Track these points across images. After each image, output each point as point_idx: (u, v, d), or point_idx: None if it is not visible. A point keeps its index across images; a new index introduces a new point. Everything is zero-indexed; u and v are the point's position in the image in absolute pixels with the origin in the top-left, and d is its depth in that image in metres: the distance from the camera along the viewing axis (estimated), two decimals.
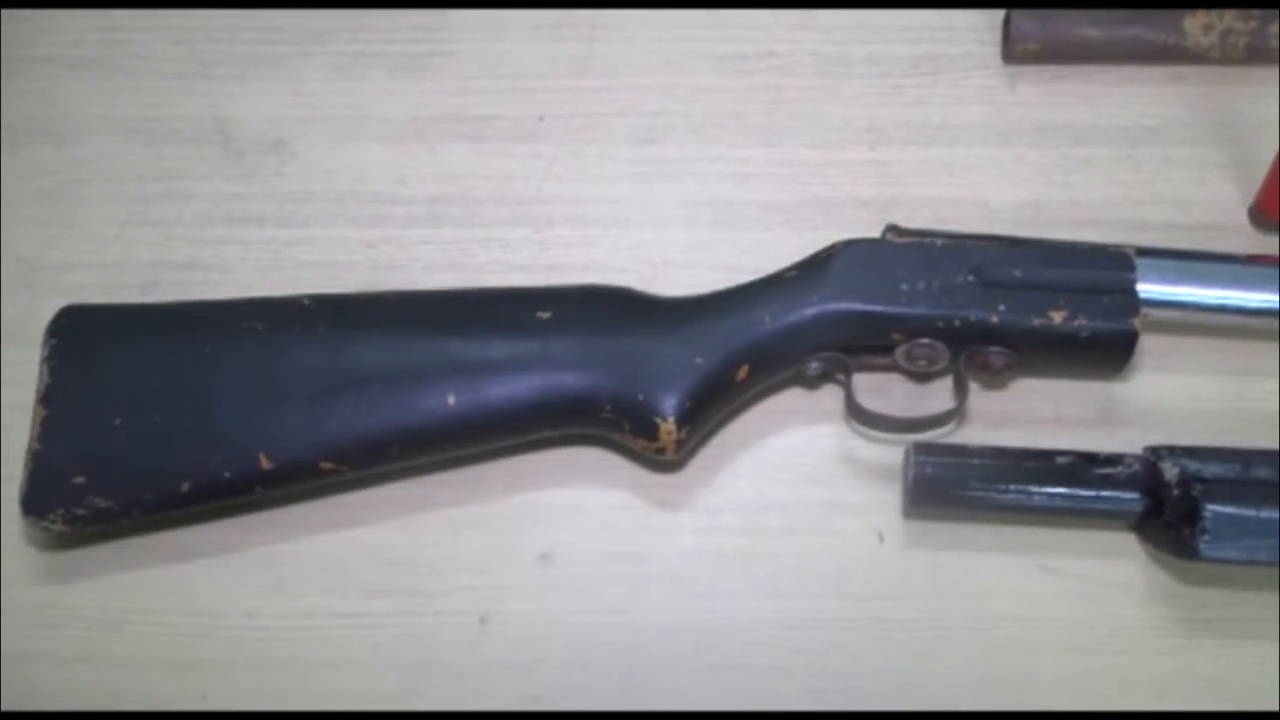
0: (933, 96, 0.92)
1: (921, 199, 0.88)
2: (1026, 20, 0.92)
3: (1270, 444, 0.77)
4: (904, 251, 0.78)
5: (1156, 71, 0.93)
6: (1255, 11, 0.92)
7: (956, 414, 0.78)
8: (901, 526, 0.78)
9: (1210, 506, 0.72)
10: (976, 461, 0.75)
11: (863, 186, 0.89)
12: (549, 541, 0.78)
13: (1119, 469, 0.75)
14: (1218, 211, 0.88)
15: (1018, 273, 0.77)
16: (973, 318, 0.76)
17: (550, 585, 0.77)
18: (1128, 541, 0.77)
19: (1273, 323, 0.81)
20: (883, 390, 0.81)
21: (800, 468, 0.80)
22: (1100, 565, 0.77)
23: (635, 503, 0.79)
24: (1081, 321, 0.76)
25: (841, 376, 0.79)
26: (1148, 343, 0.82)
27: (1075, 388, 0.82)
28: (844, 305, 0.77)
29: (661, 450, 0.76)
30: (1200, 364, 0.83)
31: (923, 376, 0.81)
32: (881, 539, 0.78)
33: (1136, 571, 0.77)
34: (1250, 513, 0.72)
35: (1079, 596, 0.76)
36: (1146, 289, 0.79)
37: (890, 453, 0.79)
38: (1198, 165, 0.90)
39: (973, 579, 0.77)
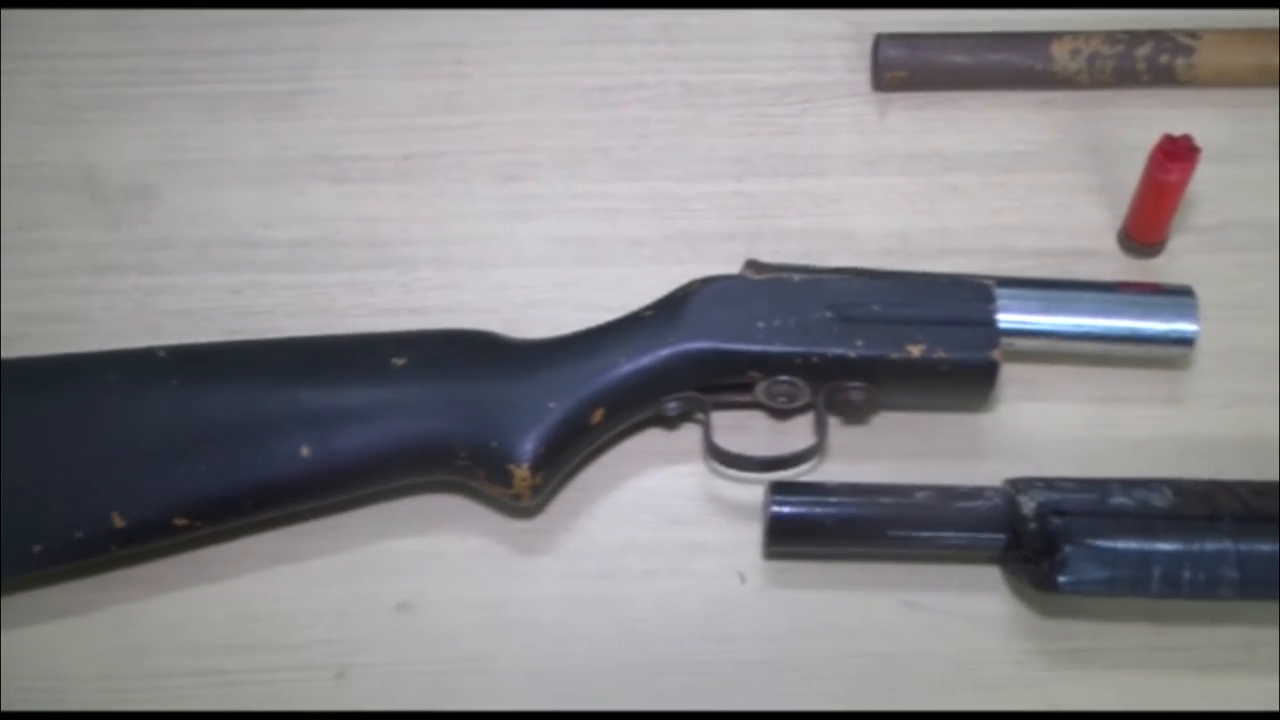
0: (802, 126, 0.91)
1: (789, 230, 0.87)
2: (894, 48, 0.91)
3: (1136, 471, 0.76)
4: (761, 288, 0.77)
5: (1026, 97, 0.92)
6: (1121, 34, 0.91)
7: (816, 451, 0.77)
8: (762, 566, 0.77)
9: (1067, 539, 0.71)
10: (834, 500, 0.74)
11: (729, 219, 0.88)
12: (408, 590, 0.77)
13: (979, 503, 0.74)
14: (1087, 236, 0.88)
15: (876, 307, 0.76)
16: (830, 354, 0.75)
17: (409, 635, 0.76)
18: (991, 575, 0.77)
19: (1137, 349, 0.80)
20: (744, 428, 0.80)
21: (661, 509, 0.79)
22: (964, 599, 0.76)
23: (495, 549, 0.78)
24: (940, 354, 0.75)
25: (701, 416, 0.77)
26: (1014, 372, 0.82)
27: (940, 420, 0.81)
28: (700, 345, 0.76)
29: (517, 496, 0.75)
30: (1067, 392, 0.83)
31: (784, 413, 0.80)
32: (743, 579, 0.77)
33: (1000, 605, 0.76)
34: (1108, 544, 0.72)
35: (942, 632, 0.75)
36: (1009, 319, 0.79)
37: (752, 491, 0.78)
38: (1067, 190, 0.89)
39: (835, 617, 0.76)
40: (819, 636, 0.76)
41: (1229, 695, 0.75)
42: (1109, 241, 0.88)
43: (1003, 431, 0.82)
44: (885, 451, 0.80)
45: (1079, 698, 0.74)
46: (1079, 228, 0.88)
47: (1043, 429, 0.82)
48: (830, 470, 0.80)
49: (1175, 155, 0.81)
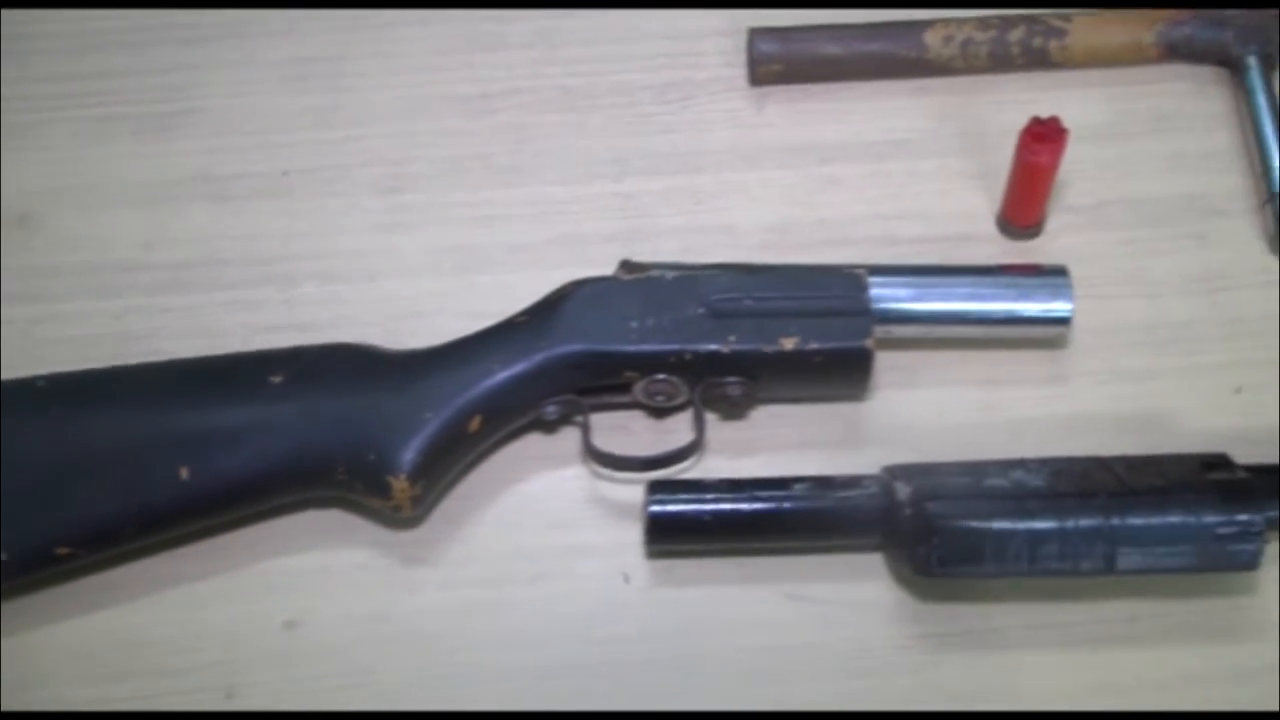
0: (680, 124, 0.92)
1: (669, 228, 0.88)
2: (767, 42, 0.92)
3: (1018, 452, 0.76)
4: (634, 288, 0.77)
5: (903, 85, 0.93)
6: (994, 19, 0.91)
7: (695, 448, 0.77)
8: (647, 566, 0.77)
9: (942, 523, 0.71)
10: (711, 496, 0.75)
11: (610, 220, 0.88)
12: (295, 608, 0.77)
13: (856, 492, 0.75)
14: (966, 221, 0.88)
15: (749, 301, 0.77)
16: (704, 350, 0.76)
17: (297, 652, 0.76)
18: (874, 562, 0.77)
19: (1014, 330, 0.80)
20: (625, 428, 0.80)
21: (544, 513, 0.79)
22: (847, 589, 0.77)
23: (380, 561, 0.78)
24: (814, 345, 0.76)
25: (580, 419, 0.78)
26: (894, 359, 0.82)
27: (821, 410, 0.81)
28: (574, 348, 0.76)
29: (397, 508, 0.75)
30: (948, 376, 0.83)
31: (663, 411, 0.80)
32: (627, 579, 0.77)
33: (883, 592, 0.77)
34: (983, 526, 0.72)
35: (827, 622, 0.76)
36: (885, 306, 0.79)
37: (635, 491, 0.78)
38: (945, 176, 0.90)
39: (720, 613, 0.76)
40: (705, 633, 0.76)
41: (1111, 668, 0.76)
42: (988, 225, 0.88)
43: (885, 419, 0.82)
44: (767, 445, 0.81)
45: (965, 680, 0.75)
46: (958, 213, 0.89)
47: (925, 415, 0.82)
48: (712, 466, 0.80)
49: (1043, 137, 0.81)
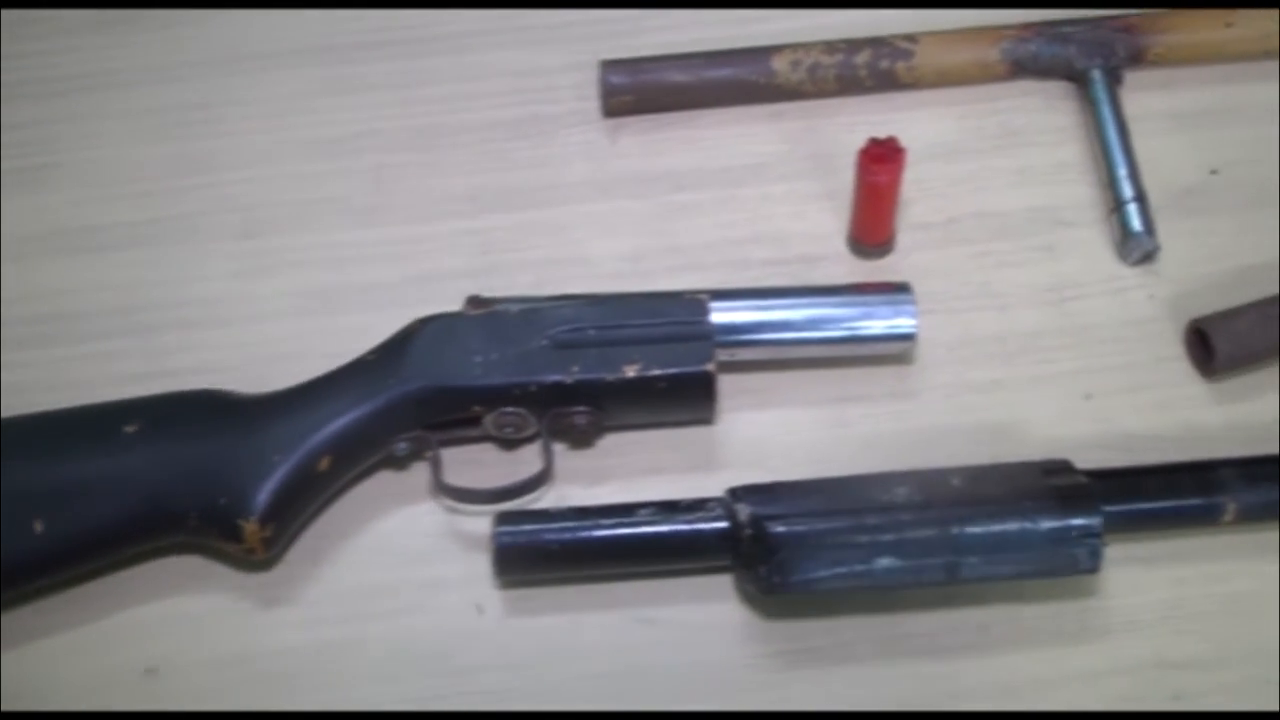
0: (535, 158, 0.93)
1: (525, 262, 0.89)
2: (617, 74, 0.93)
3: (869, 467, 0.77)
4: (479, 323, 0.79)
5: (754, 111, 0.95)
6: (840, 43, 0.93)
7: (544, 478, 0.78)
8: (501, 596, 0.78)
9: (783, 541, 0.73)
10: (556, 526, 0.76)
11: (466, 257, 0.89)
12: (154, 655, 0.77)
13: (700, 515, 0.76)
14: (819, 243, 0.90)
15: (591, 331, 0.78)
16: (548, 381, 0.77)
17: (158, 700, 0.77)
18: (723, 583, 0.78)
19: (860, 348, 0.82)
20: (477, 461, 0.82)
21: (399, 549, 0.80)
22: (699, 610, 0.78)
23: (239, 605, 0.78)
24: (656, 371, 0.77)
25: (430, 454, 0.78)
26: (745, 381, 0.83)
27: (673, 435, 0.83)
28: (421, 385, 0.78)
29: (250, 551, 0.75)
30: (799, 396, 0.84)
31: (513, 443, 0.81)
32: (481, 611, 0.78)
33: (732, 612, 0.78)
34: (824, 541, 0.73)
35: (678, 645, 0.77)
36: (728, 330, 0.81)
37: (488, 523, 0.79)
38: (797, 199, 0.91)
39: (574, 641, 0.77)
40: (559, 661, 0.77)
41: (963, 676, 0.77)
42: (840, 246, 0.90)
43: (737, 441, 0.83)
44: (620, 472, 0.82)
45: (817, 695, 0.76)
46: (810, 234, 0.90)
47: (776, 435, 0.83)
48: (567, 495, 0.81)
49: (881, 157, 0.83)
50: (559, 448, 0.83)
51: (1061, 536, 0.75)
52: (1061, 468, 0.78)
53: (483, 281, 0.87)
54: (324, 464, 0.76)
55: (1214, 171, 0.94)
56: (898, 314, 0.82)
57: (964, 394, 0.85)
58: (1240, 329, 0.85)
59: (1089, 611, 0.79)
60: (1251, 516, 0.80)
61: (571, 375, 0.77)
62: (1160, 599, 0.80)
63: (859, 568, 0.74)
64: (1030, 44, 0.95)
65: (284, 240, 0.91)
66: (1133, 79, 0.97)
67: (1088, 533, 0.74)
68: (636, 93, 0.93)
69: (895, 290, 0.83)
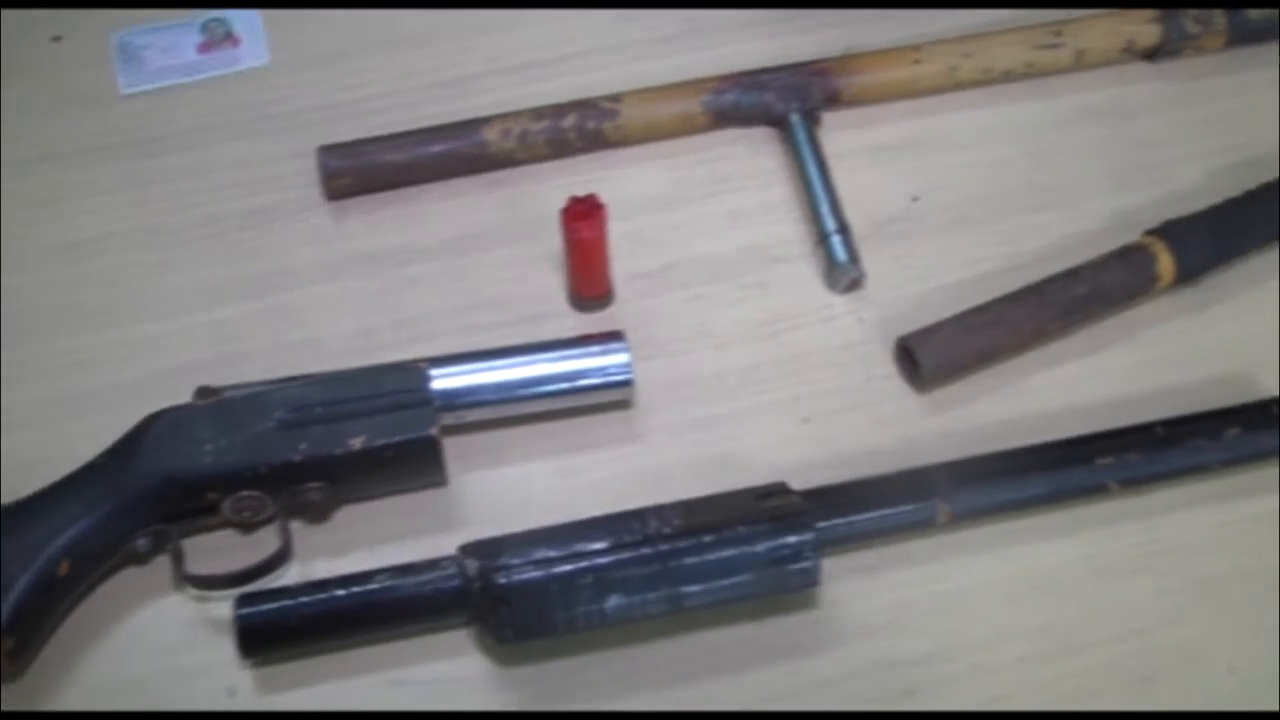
0: (265, 247, 0.96)
1: (258, 349, 0.92)
2: (334, 158, 0.96)
3: (598, 511, 0.81)
4: (207, 412, 0.81)
5: (473, 181, 0.99)
6: (547, 109, 0.98)
7: (283, 556, 0.81)
8: (253, 676, 0.80)
9: (508, 592, 0.76)
10: (293, 601, 0.78)
11: (202, 350, 0.92)
12: None
13: (434, 575, 0.79)
14: (541, 302, 0.94)
15: (317, 409, 0.81)
16: (277, 461, 0.80)
17: None
18: (467, 638, 0.81)
19: (582, 398, 0.86)
20: (221, 549, 0.84)
21: (150, 642, 0.82)
22: (446, 667, 0.81)
23: None
24: (381, 441, 0.80)
25: (171, 546, 0.81)
26: (478, 441, 0.87)
27: (410, 500, 0.86)
28: (154, 479, 0.80)
29: None
30: (530, 450, 0.88)
31: (254, 526, 0.83)
32: (233, 694, 0.80)
33: (479, 665, 0.81)
34: (547, 587, 0.77)
35: (429, 703, 0.80)
36: (451, 394, 0.85)
37: None
38: (519, 262, 0.96)
39: (328, 709, 0.79)
40: None
41: (703, 700, 0.82)
42: (561, 303, 0.94)
43: (473, 500, 0.87)
44: (362, 541, 0.85)
45: None
46: (533, 295, 0.95)
47: (511, 490, 0.87)
48: (314, 569, 0.84)
49: (582, 214, 0.88)
50: (302, 525, 0.86)
51: (778, 556, 0.79)
52: (777, 490, 0.83)
53: (218, 372, 0.89)
54: (63, 569, 0.78)
55: (915, 199, 1.00)
56: (612, 362, 0.86)
57: (688, 431, 0.90)
58: (941, 341, 0.91)
59: (821, 623, 0.84)
60: (964, 516, 0.85)
61: (300, 453, 0.80)
62: (888, 603, 0.85)
63: (589, 608, 0.77)
64: (729, 94, 1.00)
65: (23, 350, 0.92)
66: (833, 119, 1.02)
67: (802, 549, 0.79)
68: (355, 175, 0.96)
69: (609, 340, 0.87)
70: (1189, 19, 1.03)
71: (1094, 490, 0.86)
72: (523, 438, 0.88)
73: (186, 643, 0.82)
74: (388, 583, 0.79)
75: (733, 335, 0.94)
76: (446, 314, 0.93)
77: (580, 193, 0.91)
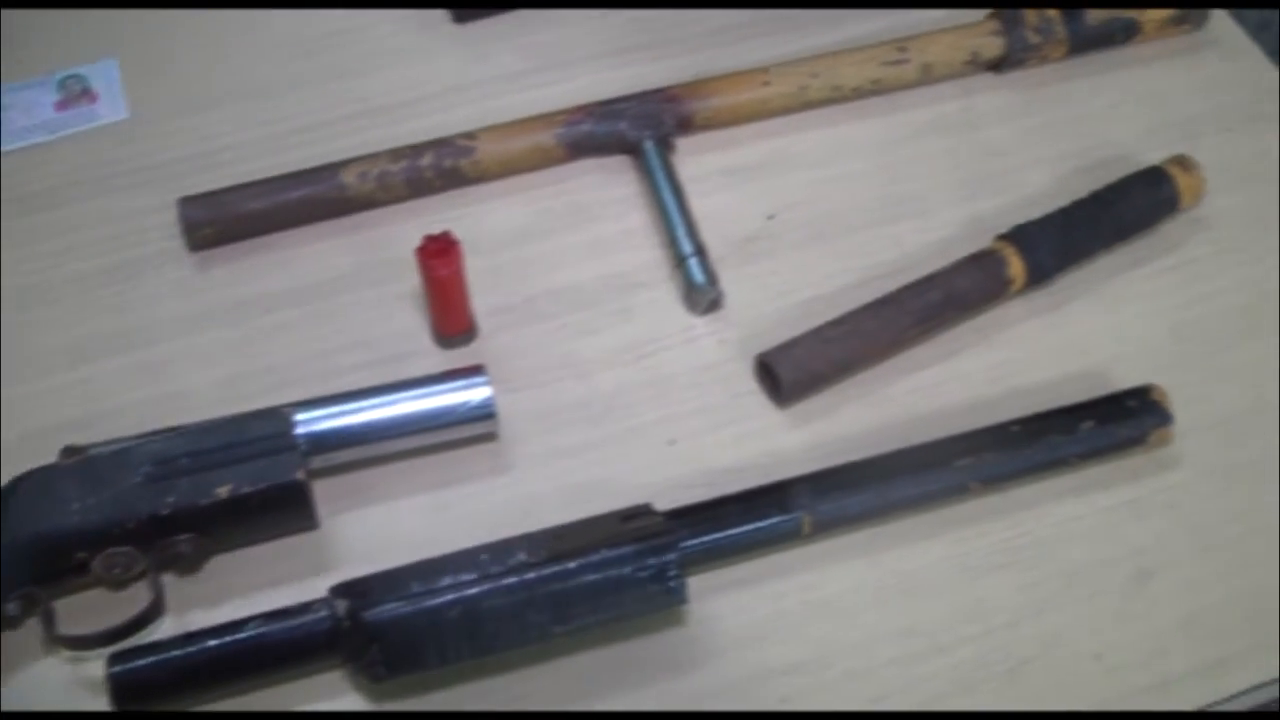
0: (129, 302, 0.97)
1: (126, 405, 0.92)
2: (194, 208, 0.97)
3: (470, 544, 0.83)
4: (73, 471, 0.82)
5: (335, 225, 1.00)
6: (405, 149, 0.99)
7: (156, 610, 0.82)
8: None
9: (377, 629, 0.78)
10: (165, 654, 0.79)
11: (69, 409, 0.92)
12: None
13: (305, 618, 0.80)
14: (407, 341, 0.96)
15: (183, 460, 0.82)
16: (144, 515, 0.81)
17: None
18: (348, 678, 0.82)
19: (446, 433, 0.88)
20: (95, 608, 0.84)
21: (30, 705, 0.82)
22: (331, 707, 0.82)
23: None
24: (247, 489, 0.81)
25: (41, 608, 0.81)
26: (348, 482, 0.88)
27: (283, 546, 0.87)
28: (21, 541, 0.80)
29: None
30: (399, 488, 0.90)
31: (126, 582, 0.84)
32: None
33: (360, 704, 0.82)
34: (416, 622, 0.78)
35: None
36: (315, 437, 0.86)
37: None
38: (383, 303, 0.97)
39: None
40: None
41: None
42: (426, 341, 0.96)
43: (346, 541, 0.88)
44: (238, 589, 0.86)
45: None
46: (398, 334, 0.96)
47: (383, 528, 0.88)
48: (191, 621, 0.84)
49: (437, 252, 0.89)
50: (175, 578, 0.86)
51: (643, 577, 0.81)
52: (641, 512, 0.84)
53: (87, 430, 0.90)
54: None
55: (770, 217, 1.02)
56: (474, 396, 0.88)
57: (556, 460, 0.91)
58: (799, 356, 0.93)
59: (696, 639, 0.86)
60: (827, 526, 0.87)
61: (167, 506, 0.81)
62: (763, 614, 0.87)
63: (459, 640, 0.79)
64: (583, 125, 1.03)
65: None
66: (688, 143, 1.05)
67: (666, 569, 0.81)
68: (217, 224, 0.97)
69: (470, 374, 0.88)
70: (1030, 30, 1.07)
71: (955, 491, 0.88)
72: (393, 476, 0.89)
73: (63, 704, 0.82)
74: (259, 629, 0.79)
75: (597, 363, 0.95)
76: (313, 358, 0.94)
77: (437, 230, 0.92)
